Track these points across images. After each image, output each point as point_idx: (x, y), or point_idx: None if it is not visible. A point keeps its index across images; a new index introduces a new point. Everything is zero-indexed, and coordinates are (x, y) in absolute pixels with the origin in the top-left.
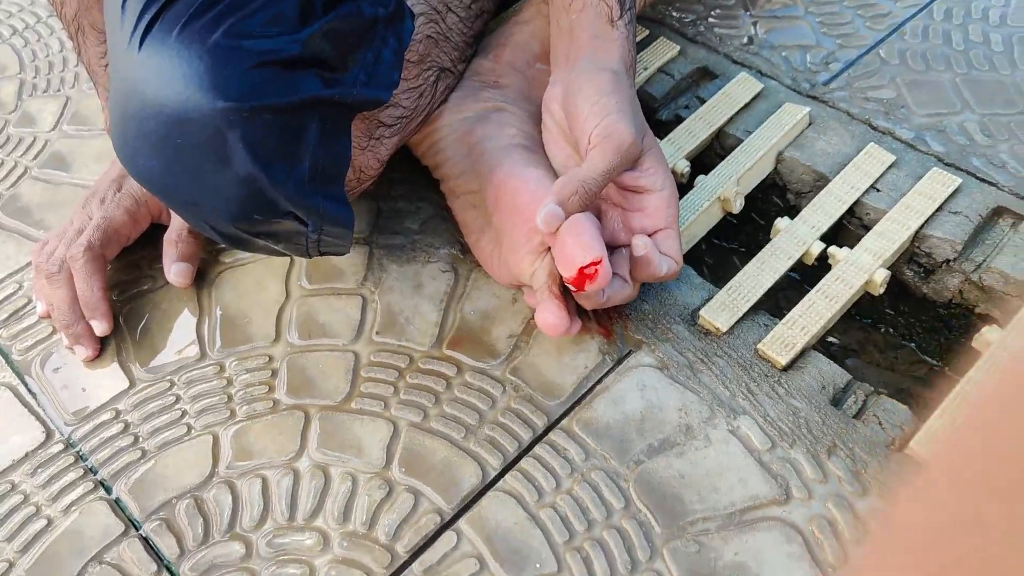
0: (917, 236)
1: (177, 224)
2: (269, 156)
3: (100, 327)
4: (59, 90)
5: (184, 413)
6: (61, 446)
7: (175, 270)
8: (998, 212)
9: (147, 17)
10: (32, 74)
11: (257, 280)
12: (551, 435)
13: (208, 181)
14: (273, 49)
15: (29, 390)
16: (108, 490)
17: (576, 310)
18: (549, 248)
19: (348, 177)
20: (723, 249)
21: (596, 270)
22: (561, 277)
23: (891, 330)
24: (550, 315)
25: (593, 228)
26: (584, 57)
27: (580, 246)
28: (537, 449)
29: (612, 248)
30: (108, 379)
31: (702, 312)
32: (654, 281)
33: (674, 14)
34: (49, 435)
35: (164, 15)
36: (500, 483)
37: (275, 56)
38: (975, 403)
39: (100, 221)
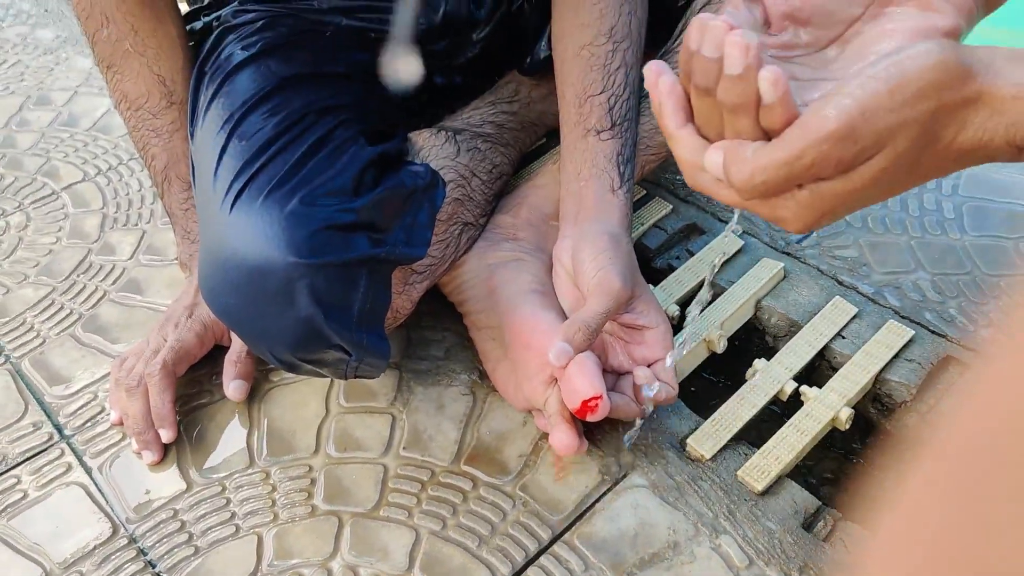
0: (878, 380)
1: (237, 347)
2: (327, 301)
3: (167, 435)
4: (136, 224)
5: (233, 515)
6: (125, 540)
7: (233, 386)
8: (947, 361)
9: (237, 186)
10: (114, 209)
11: (301, 398)
12: (554, 547)
13: (275, 318)
14: (334, 216)
15: (99, 489)
16: None
17: (582, 432)
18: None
19: (386, 317)
20: (709, 382)
21: (597, 404)
22: None
23: (862, 461)
24: (564, 436)
25: (595, 367)
26: (590, 219)
27: (584, 383)
28: (542, 559)
29: (619, 374)
30: (168, 482)
31: (689, 440)
32: (651, 404)
33: (667, 176)
34: (115, 530)
35: (250, 185)
36: None
37: (336, 222)
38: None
39: (174, 343)
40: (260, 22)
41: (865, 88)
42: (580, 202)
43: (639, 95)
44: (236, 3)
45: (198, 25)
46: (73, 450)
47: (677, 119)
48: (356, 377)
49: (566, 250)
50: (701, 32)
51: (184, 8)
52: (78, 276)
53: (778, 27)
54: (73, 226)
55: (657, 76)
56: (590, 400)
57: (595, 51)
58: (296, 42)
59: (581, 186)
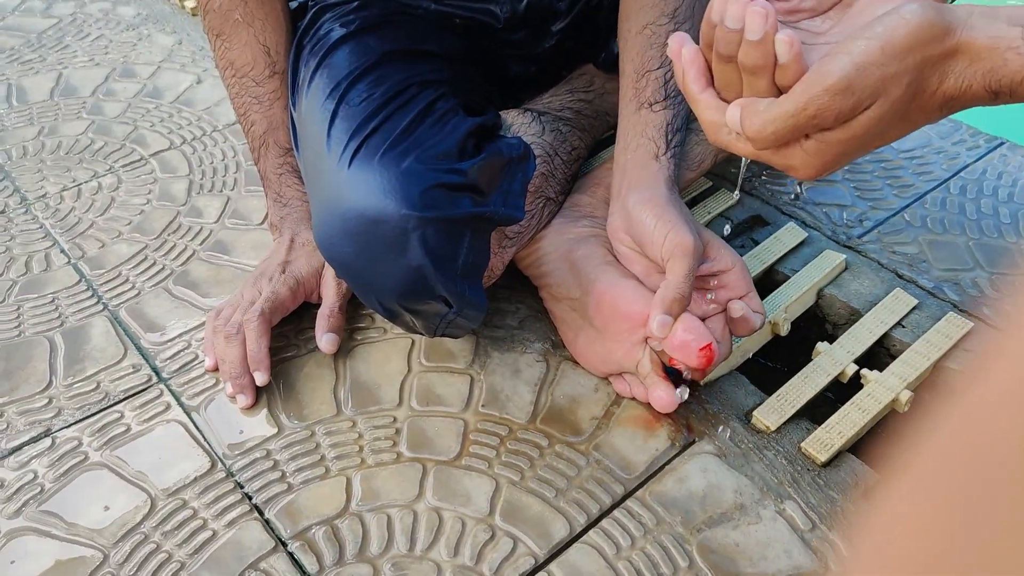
0: (937, 367)
1: (330, 302)
2: (435, 252)
3: (262, 377)
4: (221, 191)
5: (323, 457)
6: (223, 474)
7: (326, 339)
8: None
9: (353, 145)
10: (199, 176)
11: (384, 355)
12: (628, 502)
13: (388, 266)
14: (444, 176)
15: (196, 427)
16: (261, 512)
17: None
18: (646, 340)
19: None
20: (768, 368)
21: (711, 350)
22: (663, 364)
23: None
24: (663, 392)
25: (699, 322)
26: (634, 189)
27: (696, 336)
28: (616, 512)
29: (703, 319)
30: (261, 425)
31: (755, 413)
32: (750, 333)
33: (733, 170)
34: (213, 464)
35: (366, 144)
36: (585, 537)
37: (446, 181)
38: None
39: (269, 294)
40: (355, 3)
41: (860, 47)
42: (624, 174)
43: None
44: None
45: (293, 4)
46: (171, 391)
47: (699, 84)
48: (444, 335)
49: (620, 228)
50: (723, 5)
51: None
52: (168, 235)
53: None
54: (162, 189)
55: (680, 45)
56: (704, 348)
57: (656, 30)
58: (391, 21)
59: (628, 158)
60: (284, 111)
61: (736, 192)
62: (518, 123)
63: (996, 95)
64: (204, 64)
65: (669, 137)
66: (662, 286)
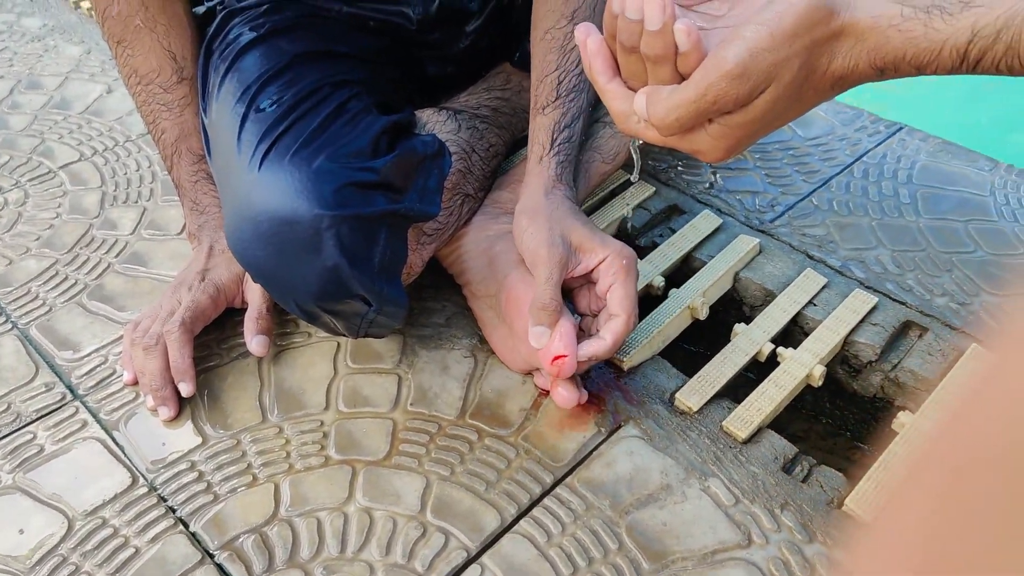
0: (846, 342)
1: (256, 304)
2: (351, 250)
3: (187, 388)
4: (137, 201)
5: (249, 465)
6: (145, 489)
7: (256, 341)
8: (907, 325)
9: (263, 147)
10: (113, 187)
11: (309, 359)
12: (557, 490)
13: (303, 267)
14: (357, 175)
15: (116, 443)
16: (186, 525)
17: (580, 385)
18: None
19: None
20: (689, 352)
21: (563, 360)
22: None
23: (830, 421)
24: (564, 390)
25: (568, 328)
26: (522, 196)
27: (554, 343)
28: (546, 501)
29: (595, 314)
30: (184, 436)
31: (678, 395)
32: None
33: (650, 162)
34: (135, 480)
35: (276, 146)
36: (516, 527)
37: (359, 179)
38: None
39: (190, 303)
40: (265, 6)
41: (751, 33)
42: (522, 181)
43: None
44: None
45: (201, 9)
46: (88, 408)
47: (606, 75)
48: (367, 335)
49: (513, 233)
50: None
51: None
52: (81, 249)
53: None
54: (72, 203)
55: (585, 36)
56: (556, 358)
57: (556, 34)
58: (302, 24)
59: (529, 162)
60: (195, 117)
61: (635, 175)
62: (433, 121)
63: (882, 72)
64: (114, 73)
65: (555, 136)
66: (532, 298)
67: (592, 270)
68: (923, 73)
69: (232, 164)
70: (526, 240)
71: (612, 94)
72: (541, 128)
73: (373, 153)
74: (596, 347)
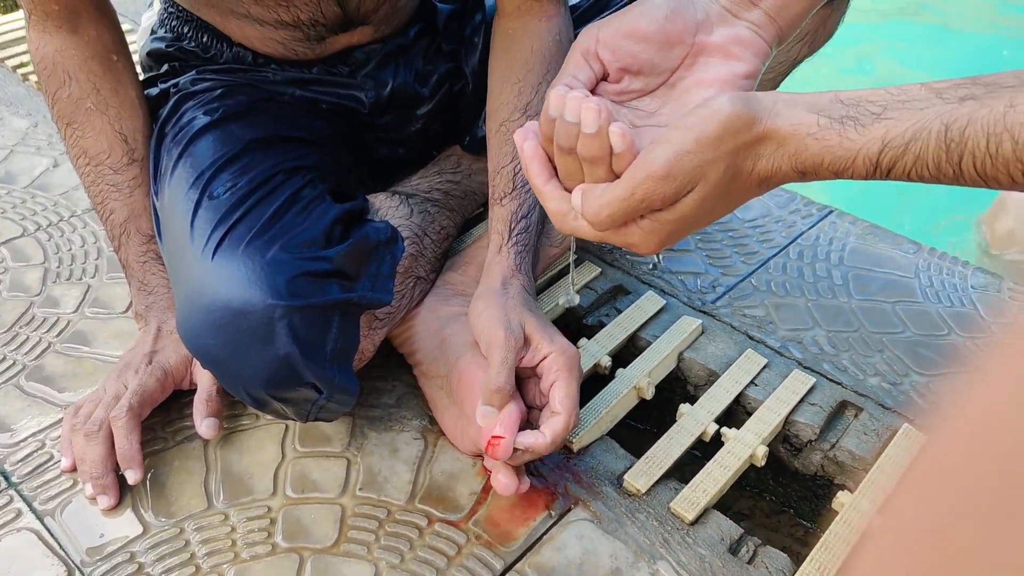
0: (787, 421)
1: (206, 386)
2: (303, 339)
3: (134, 476)
4: (81, 278)
5: (193, 555)
6: None
7: (207, 424)
8: (844, 405)
9: (217, 236)
10: (56, 264)
11: (256, 442)
12: (508, 575)
13: (254, 356)
14: (310, 264)
15: (51, 534)
16: None
17: (526, 472)
18: None
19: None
20: (637, 429)
21: (497, 442)
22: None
23: (773, 498)
24: (502, 476)
25: (512, 413)
26: (481, 282)
27: (499, 426)
28: None
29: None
30: (124, 525)
31: (626, 477)
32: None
33: (594, 244)
34: (70, 572)
35: (230, 234)
36: None
37: (312, 269)
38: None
39: (137, 387)
40: (219, 90)
41: (677, 137)
42: (482, 268)
43: None
44: (193, 72)
45: (154, 92)
46: (22, 497)
47: (543, 176)
48: (316, 419)
49: (469, 317)
50: (560, 101)
51: (140, 75)
52: (20, 328)
53: (615, 78)
54: (13, 279)
55: (523, 141)
56: (491, 439)
57: (510, 126)
58: (256, 108)
59: (489, 251)
60: (146, 198)
61: (572, 289)
62: (386, 207)
63: (804, 175)
64: (61, 147)
65: (512, 226)
66: (484, 379)
67: (537, 364)
68: (841, 177)
69: (185, 250)
70: (482, 323)
71: (549, 195)
72: (499, 219)
73: (326, 242)
74: (535, 440)
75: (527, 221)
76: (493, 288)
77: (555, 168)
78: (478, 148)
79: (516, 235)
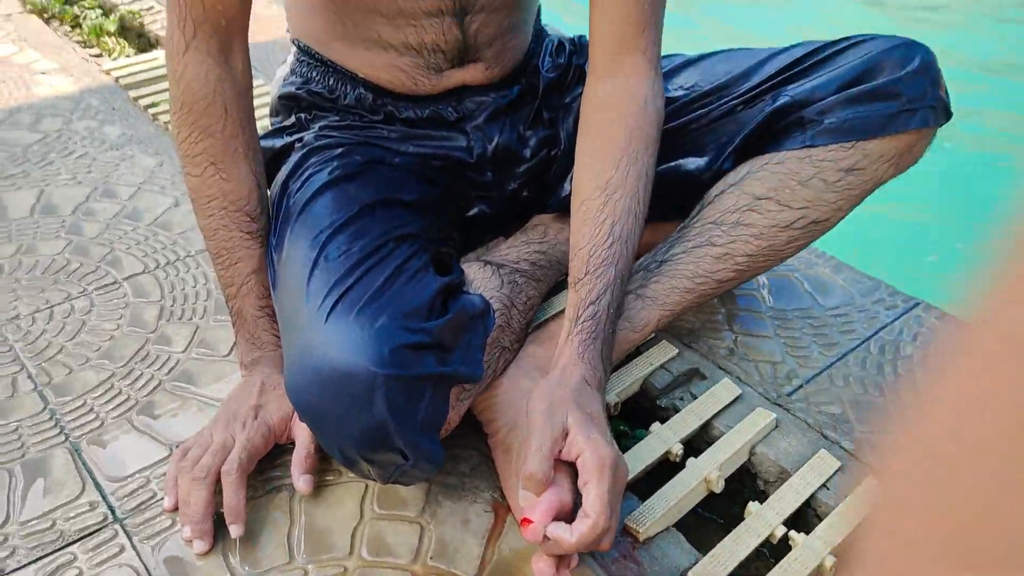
0: (858, 528)
1: (305, 444)
2: (398, 408)
3: (238, 530)
4: (191, 319)
5: None
6: None
7: (304, 480)
8: None
9: (331, 299)
10: (170, 302)
11: (337, 499)
12: None
13: (352, 418)
14: (413, 336)
15: (148, 571)
16: None
17: (591, 557)
18: None
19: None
20: (703, 518)
21: (527, 524)
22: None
23: None
24: (541, 562)
25: (551, 499)
26: (552, 364)
27: (533, 510)
28: None
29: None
30: (214, 570)
31: (690, 573)
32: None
33: (674, 323)
34: None
35: (344, 299)
36: None
37: (415, 340)
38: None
39: (245, 443)
40: (339, 149)
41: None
42: (555, 344)
43: (630, 241)
44: (317, 129)
45: (279, 143)
46: (125, 532)
47: None
48: (396, 483)
49: None
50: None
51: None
52: (136, 363)
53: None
54: (133, 314)
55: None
56: (524, 520)
57: (590, 205)
58: (370, 169)
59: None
60: (265, 251)
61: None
62: (479, 278)
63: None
64: (183, 187)
65: (579, 312)
66: (522, 468)
67: (576, 459)
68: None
69: (300, 309)
70: (529, 410)
71: None
72: (571, 304)
73: (428, 313)
74: (561, 535)
75: (595, 307)
76: (551, 376)
77: None
78: (561, 207)
79: (583, 322)
